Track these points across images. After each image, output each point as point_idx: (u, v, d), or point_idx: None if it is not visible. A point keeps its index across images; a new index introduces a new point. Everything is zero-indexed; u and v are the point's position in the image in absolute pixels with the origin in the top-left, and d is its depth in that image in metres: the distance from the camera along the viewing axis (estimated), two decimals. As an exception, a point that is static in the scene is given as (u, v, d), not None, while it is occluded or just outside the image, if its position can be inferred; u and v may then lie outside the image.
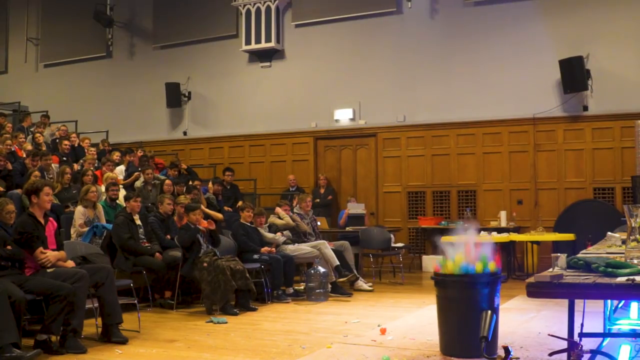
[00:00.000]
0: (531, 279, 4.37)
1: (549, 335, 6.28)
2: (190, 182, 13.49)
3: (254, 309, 9.52)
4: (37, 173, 11.01)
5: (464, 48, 15.06)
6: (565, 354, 4.58)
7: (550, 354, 5.35)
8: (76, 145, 14.81)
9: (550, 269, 4.72)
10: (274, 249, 10.95)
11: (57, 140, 14.59)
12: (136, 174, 13.37)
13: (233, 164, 16.42)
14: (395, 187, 15.70)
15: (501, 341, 6.21)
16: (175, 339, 7.46)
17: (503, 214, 13.90)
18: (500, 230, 13.15)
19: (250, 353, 6.69)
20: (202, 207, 11.12)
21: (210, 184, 13.91)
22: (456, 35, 15.21)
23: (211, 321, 8.58)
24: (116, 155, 14.15)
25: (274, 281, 10.48)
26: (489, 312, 5.17)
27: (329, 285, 10.77)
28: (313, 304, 10.09)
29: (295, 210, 12.28)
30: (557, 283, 4.17)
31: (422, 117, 15.42)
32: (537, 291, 4.28)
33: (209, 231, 9.95)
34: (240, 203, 13.46)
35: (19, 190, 10.50)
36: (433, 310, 6.77)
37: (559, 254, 4.77)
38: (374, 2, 16.00)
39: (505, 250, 12.74)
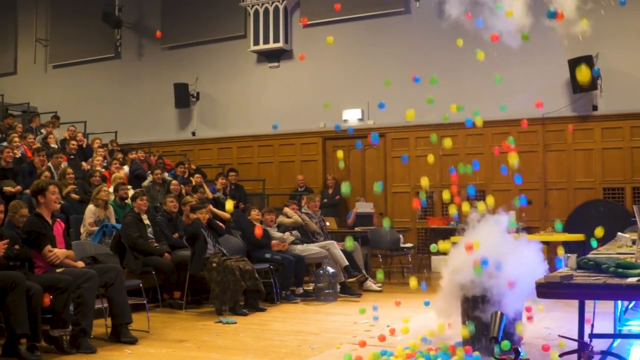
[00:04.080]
0: (541, 280, 4.35)
1: (559, 336, 6.26)
2: (192, 179, 13.50)
3: (263, 310, 9.52)
4: (47, 173, 11.04)
5: (473, 47, 14.98)
6: (575, 355, 4.56)
7: (561, 355, 5.33)
8: (84, 145, 14.85)
9: (560, 270, 4.71)
10: (285, 243, 10.97)
11: (67, 140, 14.63)
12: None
13: (241, 165, 16.45)
14: (404, 187, 15.68)
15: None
16: (184, 339, 7.47)
17: (512, 214, 13.85)
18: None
19: (260, 353, 6.69)
20: (210, 206, 11.15)
21: (219, 180, 13.89)
22: (465, 34, 15.13)
23: (220, 321, 8.59)
24: (120, 156, 14.16)
25: (284, 281, 10.49)
26: (499, 312, 5.16)
27: (338, 286, 10.77)
28: (322, 305, 10.08)
29: (303, 210, 12.29)
30: (567, 284, 4.16)
31: (430, 117, 15.37)
32: (547, 292, 4.27)
33: (208, 223, 9.97)
34: (241, 205, 13.52)
35: (28, 191, 10.52)
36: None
37: (568, 255, 4.76)
38: (382, 2, 15.99)
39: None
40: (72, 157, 13.66)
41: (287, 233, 11.50)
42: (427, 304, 6.76)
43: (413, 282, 6.84)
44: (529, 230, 13.42)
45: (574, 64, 13.77)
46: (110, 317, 7.38)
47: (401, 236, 13.59)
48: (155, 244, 9.94)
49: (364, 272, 11.80)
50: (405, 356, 6.13)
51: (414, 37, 15.70)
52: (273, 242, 10.89)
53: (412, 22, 15.78)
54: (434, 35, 15.45)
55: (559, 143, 14.35)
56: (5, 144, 12.38)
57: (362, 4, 16.21)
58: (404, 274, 13.78)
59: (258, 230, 8.18)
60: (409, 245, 13.77)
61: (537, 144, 14.46)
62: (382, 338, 6.73)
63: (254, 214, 11.21)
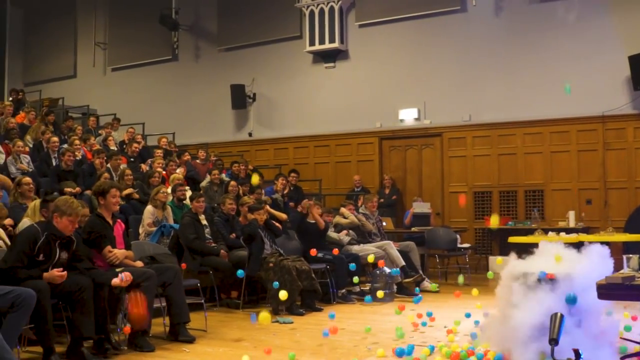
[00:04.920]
0: (602, 281, 4.28)
1: (621, 338, 6.15)
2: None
3: (319, 309, 9.52)
4: (106, 175, 11.19)
5: (530, 45, 14.84)
6: (637, 358, 4.48)
7: (622, 358, 5.24)
8: (141, 147, 15.02)
9: (622, 271, 4.62)
10: (337, 250, 10.93)
11: (126, 143, 14.80)
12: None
13: (298, 165, 16.46)
14: (461, 187, 15.56)
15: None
16: (241, 339, 7.51)
17: (571, 214, 13.67)
18: (568, 230, 12.90)
19: (316, 353, 6.69)
20: (267, 207, 11.19)
21: (280, 180, 13.85)
22: (522, 32, 15.00)
23: (277, 321, 8.61)
24: (177, 157, 14.30)
25: (339, 281, 10.47)
26: (559, 314, 5.07)
27: (395, 286, 10.72)
28: (379, 305, 10.04)
29: (360, 211, 12.27)
30: (629, 285, 4.09)
31: (488, 116, 15.25)
32: (608, 293, 4.20)
33: (265, 223, 10.00)
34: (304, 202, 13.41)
35: (88, 192, 10.70)
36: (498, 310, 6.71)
37: (630, 255, 4.67)
38: (438, 1, 15.89)
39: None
40: (131, 159, 13.85)
41: (344, 232, 11.48)
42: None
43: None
44: (589, 230, 13.23)
45: (634, 60, 13.52)
46: (169, 316, 7.46)
47: (458, 236, 13.47)
48: (213, 244, 10.00)
49: (420, 272, 11.72)
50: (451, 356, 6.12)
51: (470, 35, 15.57)
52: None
53: (469, 20, 15.64)
54: (490, 34, 15.32)
55: (619, 141, 14.09)
56: (65, 146, 12.59)
57: (417, 3, 16.14)
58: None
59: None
60: (466, 245, 13.65)
61: (597, 142, 14.22)
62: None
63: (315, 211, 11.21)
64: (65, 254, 6.48)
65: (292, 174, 14.55)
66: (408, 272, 11.25)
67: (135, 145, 14.28)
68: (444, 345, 6.57)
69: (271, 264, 9.33)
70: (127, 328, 6.80)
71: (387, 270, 10.61)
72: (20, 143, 12.02)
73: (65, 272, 6.26)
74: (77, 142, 13.06)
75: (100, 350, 6.55)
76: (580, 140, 14.39)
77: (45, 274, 6.18)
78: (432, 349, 6.56)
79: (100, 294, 6.43)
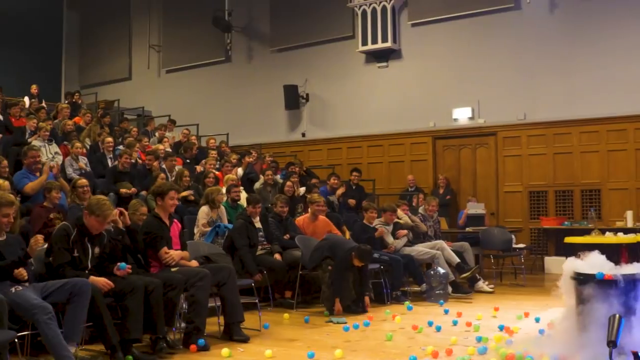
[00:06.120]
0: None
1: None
2: (309, 182, 13.58)
3: (365, 312, 9.42)
4: (162, 175, 11.31)
5: (586, 42, 14.63)
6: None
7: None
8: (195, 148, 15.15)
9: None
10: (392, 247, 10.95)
11: (183, 145, 14.90)
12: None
13: (351, 165, 16.43)
14: (516, 186, 15.40)
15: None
16: (295, 338, 7.52)
17: (629, 214, 13.43)
18: (626, 230, 12.69)
19: (370, 353, 6.68)
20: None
21: (332, 179, 13.74)
22: (576, 29, 14.79)
23: (331, 321, 8.61)
24: (234, 158, 14.32)
25: (394, 282, 10.42)
26: (617, 315, 4.99)
27: (449, 287, 10.65)
28: (432, 305, 9.99)
29: (419, 212, 12.24)
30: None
31: (543, 114, 15.07)
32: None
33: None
34: (364, 203, 13.19)
35: (144, 192, 10.82)
36: (557, 313, 6.62)
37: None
38: (491, -1, 15.76)
39: (632, 251, 12.28)
40: (187, 160, 13.97)
41: (403, 231, 11.33)
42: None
43: None
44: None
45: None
46: (223, 316, 7.52)
47: (513, 236, 13.34)
48: (267, 245, 10.03)
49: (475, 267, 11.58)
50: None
51: (524, 33, 15.40)
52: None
53: (523, 18, 15.47)
54: (545, 31, 15.14)
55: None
56: (122, 147, 12.74)
57: (471, 1, 16.02)
58: (515, 276, 13.52)
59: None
60: (521, 245, 13.51)
61: (656, 141, 13.97)
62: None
63: (371, 215, 11.14)
64: (97, 250, 6.56)
65: (355, 173, 14.35)
66: (464, 268, 11.14)
67: (194, 149, 14.44)
68: (500, 347, 6.50)
69: (330, 267, 9.31)
70: (194, 346, 6.85)
71: (441, 270, 10.55)
72: (78, 144, 12.17)
73: (111, 283, 6.32)
74: (137, 146, 13.24)
75: (155, 350, 6.62)
76: (638, 139, 14.13)
77: (91, 277, 6.27)
78: (484, 350, 6.50)
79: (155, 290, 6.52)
